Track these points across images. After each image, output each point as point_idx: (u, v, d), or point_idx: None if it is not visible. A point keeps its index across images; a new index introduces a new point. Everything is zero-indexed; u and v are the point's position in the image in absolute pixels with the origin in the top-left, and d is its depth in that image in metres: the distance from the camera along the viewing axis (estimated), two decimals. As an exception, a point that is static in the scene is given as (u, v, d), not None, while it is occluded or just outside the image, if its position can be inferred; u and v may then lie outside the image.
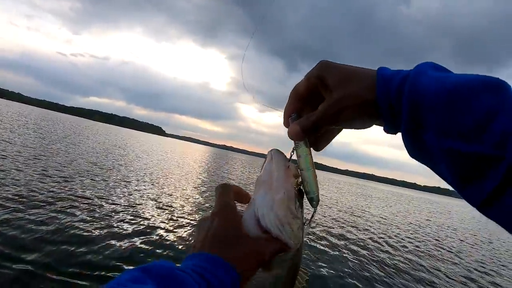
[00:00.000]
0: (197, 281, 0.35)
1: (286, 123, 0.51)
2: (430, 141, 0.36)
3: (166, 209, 6.89)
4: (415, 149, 0.40)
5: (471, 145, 0.32)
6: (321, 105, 0.45)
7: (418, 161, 0.41)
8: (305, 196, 0.52)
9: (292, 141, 0.52)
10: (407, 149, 0.41)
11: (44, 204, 5.35)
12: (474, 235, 14.07)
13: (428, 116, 0.35)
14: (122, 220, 5.44)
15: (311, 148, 0.52)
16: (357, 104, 0.42)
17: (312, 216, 0.51)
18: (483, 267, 7.77)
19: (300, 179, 0.51)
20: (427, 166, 0.41)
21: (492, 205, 0.32)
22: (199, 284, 0.35)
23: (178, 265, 0.38)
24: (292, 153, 0.52)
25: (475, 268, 7.42)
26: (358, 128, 0.46)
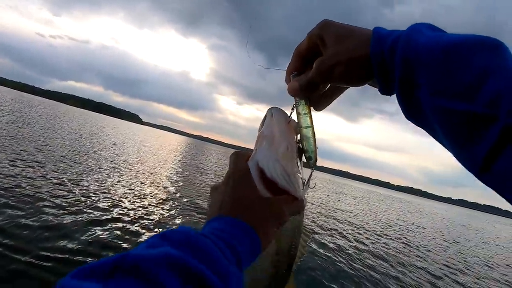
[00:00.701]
0: (220, 246, 0.35)
1: (287, 80, 0.51)
2: (423, 99, 0.35)
3: (139, 197, 6.84)
4: (409, 108, 0.39)
5: (463, 104, 0.31)
6: (316, 61, 0.45)
7: (413, 122, 0.40)
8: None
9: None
10: (402, 109, 0.40)
11: (15, 188, 5.22)
12: (442, 235, 14.44)
13: (422, 73, 0.35)
14: (94, 206, 5.36)
15: (311, 108, 0.52)
16: (350, 58, 0.42)
17: (310, 176, 0.53)
18: (448, 266, 7.93)
19: (299, 137, 0.52)
20: (423, 128, 0.40)
21: (490, 170, 0.31)
22: (222, 250, 0.34)
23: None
24: (292, 111, 0.53)
25: (440, 267, 7.53)
26: (352, 85, 0.46)
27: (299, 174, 0.49)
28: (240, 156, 0.51)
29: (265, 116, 0.54)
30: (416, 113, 0.38)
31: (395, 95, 0.40)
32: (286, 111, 0.53)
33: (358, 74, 0.42)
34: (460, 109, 0.31)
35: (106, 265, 0.26)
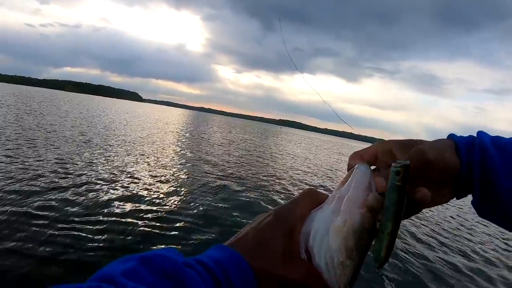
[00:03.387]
0: (206, 278, 0.32)
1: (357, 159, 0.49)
2: (500, 181, 0.41)
3: (148, 176, 6.86)
4: (484, 201, 0.44)
5: None
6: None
7: (488, 217, 0.46)
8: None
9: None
10: (476, 205, 0.45)
11: (20, 174, 5.39)
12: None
13: (501, 170, 0.41)
14: (100, 190, 5.35)
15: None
16: (444, 164, 0.43)
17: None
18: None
19: (373, 215, 0.40)
20: (496, 221, 0.46)
21: None
22: (206, 283, 0.32)
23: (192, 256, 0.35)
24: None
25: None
26: (432, 200, 0.43)
27: (349, 260, 0.38)
28: (310, 197, 0.44)
29: (351, 171, 0.45)
30: (492, 202, 0.43)
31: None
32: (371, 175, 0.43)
33: (442, 181, 0.44)
34: None
35: None
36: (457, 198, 0.47)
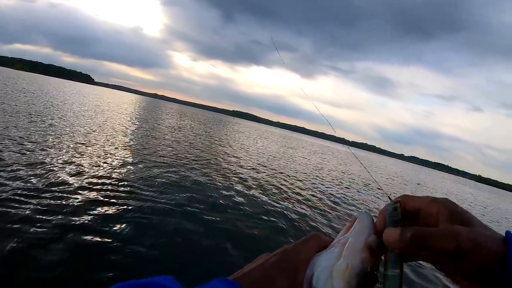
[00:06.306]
0: None
1: (381, 219, 0.43)
2: None
3: (89, 161, 6.84)
4: None
5: None
6: (452, 232, 0.36)
7: None
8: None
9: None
10: None
11: None
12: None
13: None
14: (34, 175, 5.21)
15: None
16: (490, 252, 0.35)
17: None
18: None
19: (375, 257, 0.41)
20: None
21: None
22: None
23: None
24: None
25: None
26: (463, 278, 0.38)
27: None
28: (316, 241, 0.46)
29: (355, 219, 0.47)
30: None
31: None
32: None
33: (479, 273, 0.35)
34: None
35: None
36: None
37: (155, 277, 0.32)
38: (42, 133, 8.75)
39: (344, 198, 9.86)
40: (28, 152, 6.40)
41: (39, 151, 6.72)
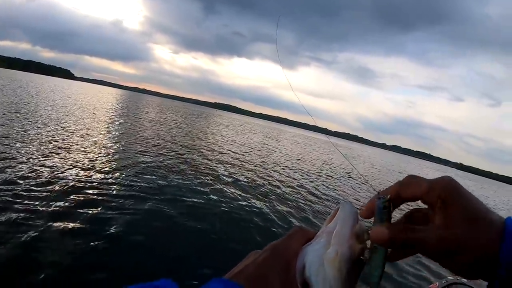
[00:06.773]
0: None
1: (370, 206, 0.43)
2: None
3: (71, 155, 6.98)
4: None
5: None
6: (433, 231, 0.37)
7: None
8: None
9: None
10: None
11: None
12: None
13: None
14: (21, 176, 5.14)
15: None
16: (479, 255, 0.35)
17: None
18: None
19: (361, 243, 0.43)
20: None
21: None
22: None
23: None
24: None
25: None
26: (447, 266, 0.39)
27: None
28: (301, 234, 0.47)
29: (337, 209, 0.48)
30: None
31: None
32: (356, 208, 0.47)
33: (471, 269, 0.36)
34: None
35: None
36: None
37: (154, 281, 0.33)
38: (14, 134, 8.32)
39: (325, 189, 10.00)
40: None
41: (13, 151, 6.52)
